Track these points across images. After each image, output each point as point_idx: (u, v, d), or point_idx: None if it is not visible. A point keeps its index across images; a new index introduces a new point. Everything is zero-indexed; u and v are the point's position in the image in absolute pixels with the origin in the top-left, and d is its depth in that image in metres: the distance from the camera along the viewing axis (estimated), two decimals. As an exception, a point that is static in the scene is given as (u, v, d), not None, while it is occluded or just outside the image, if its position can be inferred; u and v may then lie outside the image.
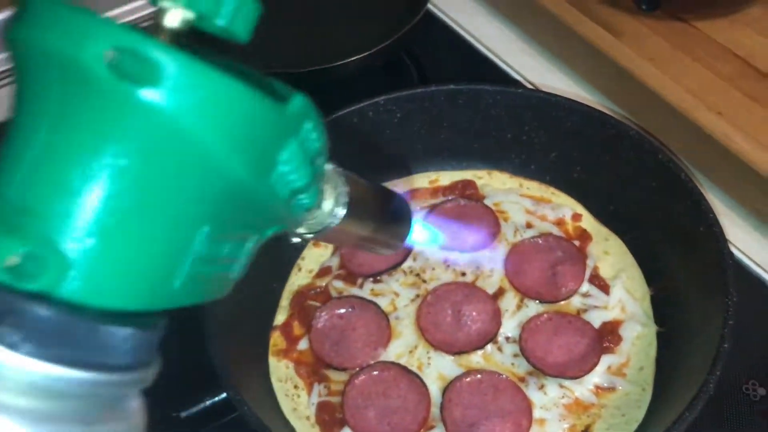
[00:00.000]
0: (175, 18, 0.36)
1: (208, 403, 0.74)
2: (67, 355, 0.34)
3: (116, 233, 0.35)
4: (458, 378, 0.79)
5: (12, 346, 0.33)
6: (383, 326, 0.84)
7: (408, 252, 0.89)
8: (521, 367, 0.80)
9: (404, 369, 0.80)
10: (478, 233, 0.91)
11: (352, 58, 1.07)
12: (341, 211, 0.51)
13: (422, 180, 1.00)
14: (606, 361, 0.80)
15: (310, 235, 0.52)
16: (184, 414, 0.74)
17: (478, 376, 0.79)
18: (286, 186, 0.40)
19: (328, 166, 0.51)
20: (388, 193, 0.63)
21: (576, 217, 0.94)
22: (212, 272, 0.40)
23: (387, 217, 0.61)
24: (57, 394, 0.34)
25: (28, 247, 0.34)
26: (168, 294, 0.38)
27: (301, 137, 0.40)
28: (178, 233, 0.37)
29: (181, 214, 0.36)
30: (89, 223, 0.34)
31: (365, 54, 1.08)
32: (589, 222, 0.94)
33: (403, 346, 0.82)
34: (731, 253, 0.76)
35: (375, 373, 0.80)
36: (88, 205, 0.34)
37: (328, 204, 0.51)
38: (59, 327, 0.34)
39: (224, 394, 0.74)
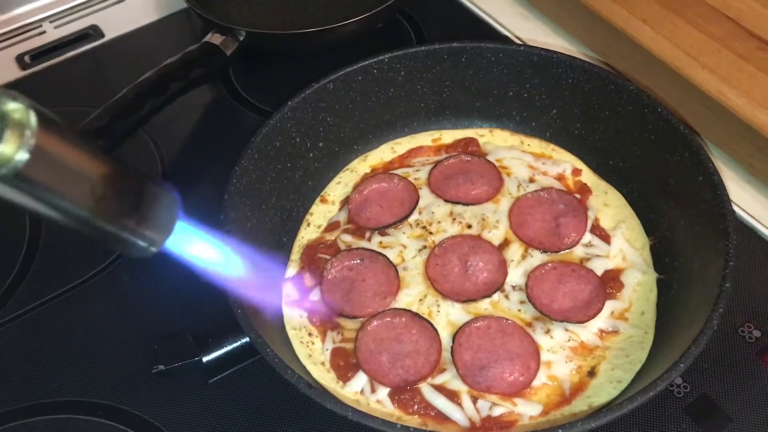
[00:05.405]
0: None
1: (228, 347, 0.76)
2: None
3: None
4: (467, 323, 0.81)
5: None
6: (392, 277, 0.86)
7: (414, 206, 0.92)
8: (528, 312, 0.83)
9: (415, 315, 0.82)
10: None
11: (353, 19, 1.09)
12: (22, 156, 0.46)
13: (425, 138, 1.02)
14: (609, 306, 0.83)
15: None
16: (205, 359, 0.76)
17: (487, 321, 0.81)
18: None
19: (11, 104, 0.46)
20: (134, 177, 0.56)
21: (576, 171, 0.96)
22: None
23: (122, 201, 0.55)
24: None
25: None
26: None
27: None
28: None
29: None
30: None
31: (366, 15, 1.10)
32: (588, 176, 0.96)
33: (413, 295, 0.85)
34: (730, 199, 0.79)
35: (387, 319, 0.82)
36: None
37: (5, 147, 0.45)
38: None
39: (244, 339, 0.76)
